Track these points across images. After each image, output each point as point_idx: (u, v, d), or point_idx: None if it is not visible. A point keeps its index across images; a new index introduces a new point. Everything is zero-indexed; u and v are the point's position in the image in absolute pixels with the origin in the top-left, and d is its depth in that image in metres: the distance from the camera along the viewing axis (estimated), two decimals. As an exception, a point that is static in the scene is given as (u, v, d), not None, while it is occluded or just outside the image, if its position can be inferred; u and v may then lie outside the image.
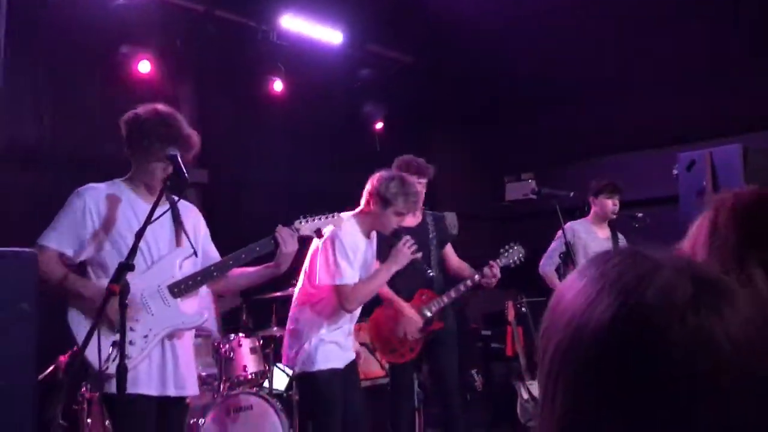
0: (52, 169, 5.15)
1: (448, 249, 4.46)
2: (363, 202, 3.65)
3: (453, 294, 4.12)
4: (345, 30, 6.34)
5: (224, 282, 2.89)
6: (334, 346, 3.53)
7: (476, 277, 4.10)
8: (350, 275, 3.44)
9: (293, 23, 6.02)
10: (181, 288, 2.64)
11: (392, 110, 6.97)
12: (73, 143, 5.31)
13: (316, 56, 6.29)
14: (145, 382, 2.55)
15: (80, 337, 2.40)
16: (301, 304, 3.58)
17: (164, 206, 2.62)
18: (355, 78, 6.69)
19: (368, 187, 3.63)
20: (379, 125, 7.01)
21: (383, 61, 6.89)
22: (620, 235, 5.10)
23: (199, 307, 2.87)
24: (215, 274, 2.72)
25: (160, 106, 2.71)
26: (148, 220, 2.35)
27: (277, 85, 6.04)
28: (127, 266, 2.17)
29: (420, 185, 4.10)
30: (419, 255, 3.64)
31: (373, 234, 3.72)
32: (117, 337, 2.41)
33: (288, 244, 2.81)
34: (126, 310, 2.15)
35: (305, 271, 3.60)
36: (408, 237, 3.64)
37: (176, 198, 2.74)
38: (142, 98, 2.87)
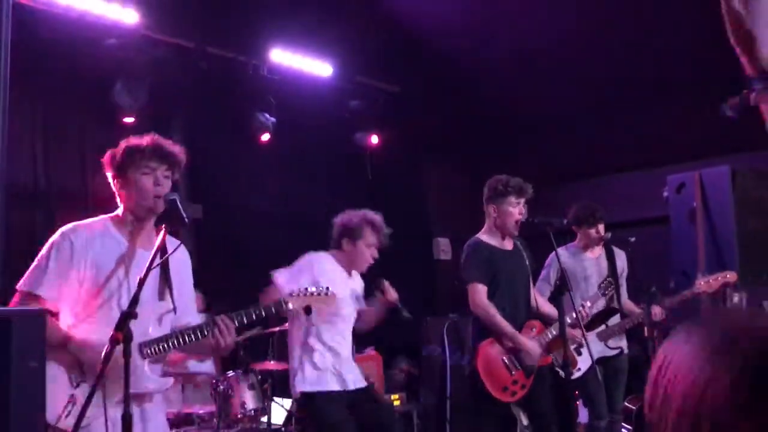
0: (46, 208, 5.16)
1: None
2: (333, 243, 3.81)
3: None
4: (334, 62, 6.41)
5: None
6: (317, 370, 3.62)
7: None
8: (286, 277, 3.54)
9: (283, 57, 6.09)
10: (153, 349, 2.50)
11: (384, 139, 7.03)
12: (67, 181, 5.32)
13: (307, 89, 6.35)
14: None
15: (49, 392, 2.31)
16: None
17: (154, 250, 2.45)
18: (345, 109, 6.75)
19: (336, 227, 3.80)
20: (373, 148, 7.06)
21: (373, 92, 6.96)
22: (617, 250, 5.07)
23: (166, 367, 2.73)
24: (189, 339, 2.54)
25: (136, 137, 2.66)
26: (149, 268, 2.33)
27: (265, 137, 6.08)
28: (129, 314, 2.15)
29: (519, 206, 4.16)
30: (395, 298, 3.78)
31: (356, 274, 3.83)
32: (74, 391, 2.36)
33: (223, 338, 2.55)
34: (129, 359, 2.14)
35: None
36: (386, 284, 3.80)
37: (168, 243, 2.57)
38: (135, 135, 2.78)
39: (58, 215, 5.14)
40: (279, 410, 4.75)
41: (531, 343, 4.04)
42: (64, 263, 2.49)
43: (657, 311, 4.59)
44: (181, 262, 2.74)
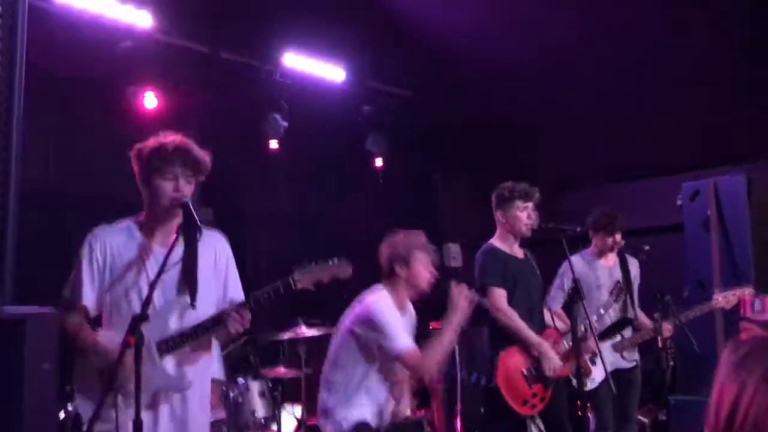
0: (58, 210, 5.17)
1: None
2: (385, 273, 3.52)
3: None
4: (347, 67, 6.40)
5: None
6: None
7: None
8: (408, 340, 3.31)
9: (296, 61, 6.09)
10: (169, 345, 2.51)
11: (394, 144, 7.02)
12: (79, 184, 5.33)
13: (319, 93, 6.34)
14: None
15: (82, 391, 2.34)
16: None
17: (179, 247, 2.49)
18: (357, 113, 6.74)
19: (384, 256, 3.53)
20: (379, 161, 7.03)
21: (385, 97, 6.95)
22: (630, 258, 5.03)
23: (191, 366, 2.66)
24: (201, 333, 2.54)
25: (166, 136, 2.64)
26: (162, 269, 2.32)
27: (276, 141, 6.05)
28: (141, 317, 2.14)
29: (527, 209, 4.12)
30: (475, 297, 3.51)
31: (408, 306, 3.60)
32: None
33: (234, 327, 2.53)
34: (140, 363, 2.12)
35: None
36: (457, 282, 3.53)
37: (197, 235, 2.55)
38: (147, 138, 2.77)
39: (68, 216, 5.15)
40: (289, 418, 4.72)
41: (552, 353, 4.00)
42: (88, 270, 2.56)
43: (666, 329, 4.57)
44: (216, 252, 2.71)
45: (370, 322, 3.33)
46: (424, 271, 3.51)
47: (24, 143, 1.87)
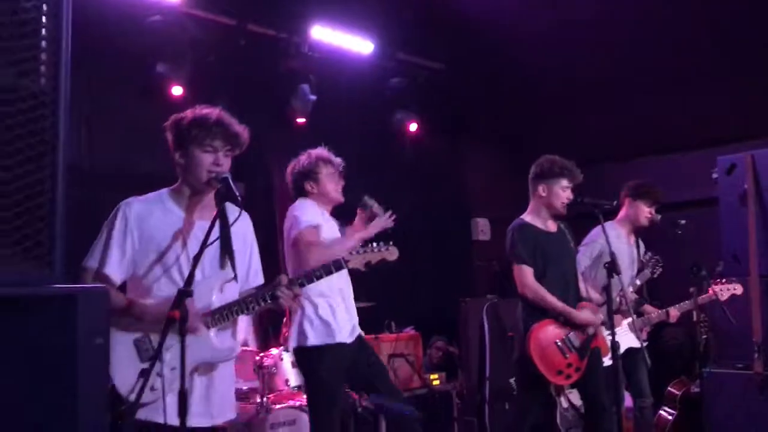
0: (90, 186, 5.21)
1: None
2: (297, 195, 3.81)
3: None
4: (375, 39, 6.34)
5: None
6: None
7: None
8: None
9: (324, 34, 6.04)
10: (216, 318, 2.55)
11: (424, 118, 6.96)
12: (111, 159, 5.38)
13: (347, 66, 6.30)
14: (171, 413, 2.37)
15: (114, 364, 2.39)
16: None
17: (209, 228, 2.48)
18: (385, 87, 6.69)
19: (290, 178, 3.87)
20: (413, 127, 6.98)
21: (414, 69, 6.88)
22: (641, 243, 5.01)
23: (234, 336, 2.75)
24: (252, 307, 2.59)
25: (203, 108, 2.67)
26: (204, 244, 2.33)
27: (304, 115, 6.07)
28: (186, 292, 2.17)
29: (568, 190, 4.15)
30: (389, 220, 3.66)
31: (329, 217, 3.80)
32: (144, 365, 2.38)
33: (286, 302, 2.60)
34: (185, 338, 2.15)
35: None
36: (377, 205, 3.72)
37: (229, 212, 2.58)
38: (177, 112, 2.78)
39: (103, 194, 5.20)
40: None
41: (585, 314, 4.02)
42: (120, 236, 2.54)
43: (673, 314, 4.61)
44: (243, 230, 2.76)
45: (291, 219, 3.61)
46: (331, 183, 3.73)
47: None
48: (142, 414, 2.38)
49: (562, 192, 4.10)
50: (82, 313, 1.44)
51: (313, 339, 3.52)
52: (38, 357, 1.47)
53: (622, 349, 4.28)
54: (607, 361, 4.43)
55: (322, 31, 6.03)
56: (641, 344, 4.33)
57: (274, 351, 4.36)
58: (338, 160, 3.88)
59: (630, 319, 4.65)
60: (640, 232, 4.98)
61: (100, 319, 1.49)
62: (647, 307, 4.86)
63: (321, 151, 3.86)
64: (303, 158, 3.85)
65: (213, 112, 2.62)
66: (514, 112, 7.18)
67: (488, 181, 7.69)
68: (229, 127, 2.61)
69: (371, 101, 6.62)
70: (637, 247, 4.97)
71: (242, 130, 2.66)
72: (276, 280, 2.62)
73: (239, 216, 2.51)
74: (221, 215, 2.49)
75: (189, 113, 2.64)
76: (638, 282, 4.45)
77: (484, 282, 7.40)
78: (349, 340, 3.62)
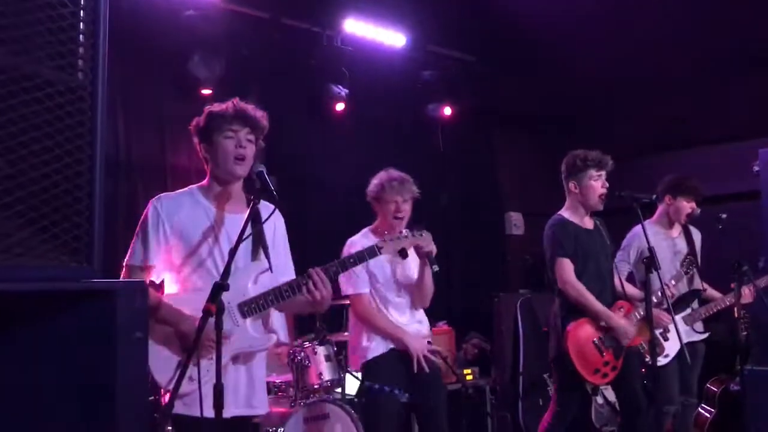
0: (127, 179, 5.28)
1: None
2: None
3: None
4: (408, 32, 6.30)
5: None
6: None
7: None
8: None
9: (357, 27, 6.02)
10: (252, 307, 2.56)
11: (456, 111, 6.90)
12: (147, 152, 5.43)
13: (380, 59, 6.27)
14: (209, 404, 2.34)
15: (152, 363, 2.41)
16: None
17: (245, 214, 2.53)
18: (418, 79, 6.64)
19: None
20: (446, 120, 6.91)
21: (446, 62, 6.82)
22: (693, 229, 4.87)
23: (269, 326, 2.79)
24: (287, 295, 2.59)
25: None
26: (240, 238, 2.34)
27: (338, 107, 6.05)
28: (221, 286, 2.17)
29: (601, 179, 4.06)
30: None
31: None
32: (181, 358, 2.41)
33: (317, 292, 2.58)
34: (221, 331, 2.16)
35: None
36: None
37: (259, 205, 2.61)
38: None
39: (138, 188, 5.26)
40: (353, 381, 4.77)
41: (624, 322, 3.94)
42: (154, 231, 2.59)
43: (746, 292, 4.41)
44: (274, 224, 2.77)
45: None
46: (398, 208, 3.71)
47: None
48: (179, 407, 2.40)
49: (594, 183, 4.02)
50: (121, 308, 1.44)
51: None
52: (77, 352, 1.48)
53: (684, 341, 4.18)
54: (662, 359, 4.36)
55: (355, 24, 6.01)
56: (699, 337, 4.25)
57: (306, 344, 4.36)
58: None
59: (685, 313, 4.57)
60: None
61: (140, 314, 1.49)
62: (711, 292, 4.70)
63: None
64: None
65: (228, 102, 2.68)
66: (548, 105, 7.07)
67: (522, 175, 7.60)
68: (246, 110, 2.65)
69: (404, 94, 6.59)
70: (688, 235, 4.81)
71: (261, 115, 2.69)
72: (308, 270, 2.62)
73: (273, 212, 2.54)
74: (254, 210, 2.50)
75: (206, 109, 2.71)
76: (673, 282, 4.34)
77: (517, 277, 7.32)
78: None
